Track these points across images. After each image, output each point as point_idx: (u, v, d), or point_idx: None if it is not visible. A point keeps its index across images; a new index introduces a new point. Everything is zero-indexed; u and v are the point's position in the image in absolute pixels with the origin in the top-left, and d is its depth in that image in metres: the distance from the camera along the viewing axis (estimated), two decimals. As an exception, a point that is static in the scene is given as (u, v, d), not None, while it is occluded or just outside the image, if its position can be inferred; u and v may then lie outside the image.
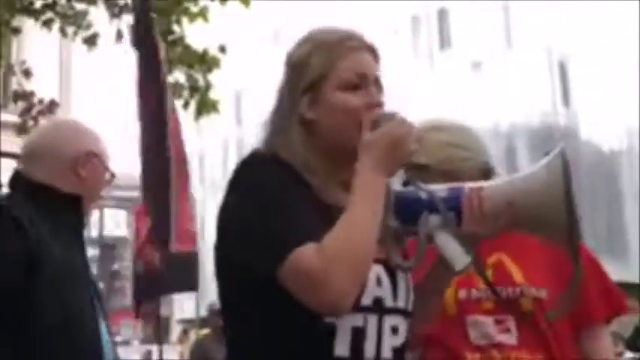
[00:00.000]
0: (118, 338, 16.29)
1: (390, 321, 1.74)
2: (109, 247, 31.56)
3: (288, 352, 1.68)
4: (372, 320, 1.71)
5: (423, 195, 1.81)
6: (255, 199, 1.68)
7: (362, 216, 1.63)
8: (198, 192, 39.41)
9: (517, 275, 2.19)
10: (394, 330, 1.75)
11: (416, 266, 1.79)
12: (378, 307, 1.72)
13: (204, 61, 7.68)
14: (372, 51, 1.85)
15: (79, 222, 2.50)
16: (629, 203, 35.15)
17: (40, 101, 8.47)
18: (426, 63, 35.72)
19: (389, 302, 1.74)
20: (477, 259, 1.88)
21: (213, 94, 7.77)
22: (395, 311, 1.75)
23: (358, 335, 1.69)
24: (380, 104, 1.78)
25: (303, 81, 1.80)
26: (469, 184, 1.83)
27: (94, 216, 27.69)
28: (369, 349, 1.70)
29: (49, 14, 7.96)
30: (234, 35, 39.73)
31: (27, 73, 8.44)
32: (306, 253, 1.57)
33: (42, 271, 2.21)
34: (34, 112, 8.43)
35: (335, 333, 1.67)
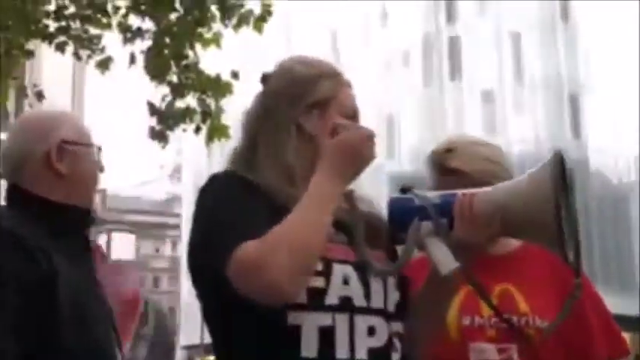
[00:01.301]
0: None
1: (364, 321, 1.74)
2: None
3: (254, 354, 1.72)
4: (343, 320, 1.71)
5: (417, 202, 1.81)
6: (214, 208, 1.76)
7: (305, 213, 1.67)
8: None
9: (522, 304, 2.18)
10: (371, 330, 1.74)
11: (395, 271, 1.81)
12: (347, 307, 1.73)
13: (217, 87, 7.71)
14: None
15: (83, 240, 2.17)
16: (638, 234, 35.00)
17: (52, 124, 8.48)
18: (437, 90, 35.75)
19: (359, 302, 1.75)
20: (480, 284, 1.86)
21: (224, 120, 7.80)
22: (369, 311, 1.76)
23: (326, 335, 1.69)
24: (343, 125, 1.86)
25: (311, 96, 1.89)
26: (463, 191, 1.82)
27: (102, 239, 27.67)
28: (341, 349, 1.70)
29: (63, 38, 8.01)
30: (251, 60, 39.95)
31: (39, 96, 8.47)
32: (246, 246, 1.62)
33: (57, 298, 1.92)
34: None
35: (300, 334, 1.68)
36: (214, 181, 1.84)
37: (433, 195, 1.83)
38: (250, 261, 1.60)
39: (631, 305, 29.65)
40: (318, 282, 1.72)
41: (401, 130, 36.27)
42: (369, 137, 1.78)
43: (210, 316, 1.82)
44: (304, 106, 1.89)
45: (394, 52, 37.15)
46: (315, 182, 1.72)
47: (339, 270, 1.74)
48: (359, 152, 1.76)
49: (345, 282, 1.74)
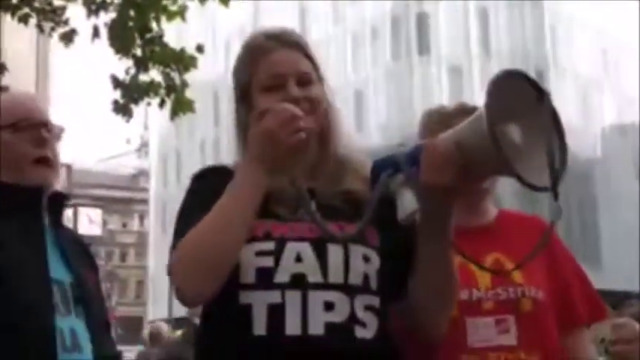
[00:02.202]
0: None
1: (320, 296, 1.72)
2: (82, 245, 31.40)
3: (213, 335, 1.80)
4: (294, 297, 1.71)
5: (396, 154, 1.78)
6: (180, 206, 1.86)
7: (221, 207, 1.70)
8: (176, 192, 39.31)
9: (517, 276, 2.17)
10: (329, 305, 1.72)
11: (359, 233, 1.75)
12: (300, 284, 1.72)
13: (181, 60, 7.64)
14: (295, 46, 1.89)
15: (32, 216, 2.20)
16: (603, 211, 35.46)
17: (15, 97, 8.37)
18: (405, 65, 35.80)
19: (314, 278, 1.73)
20: (469, 253, 1.82)
21: (189, 94, 7.75)
22: (326, 286, 1.73)
23: (276, 312, 1.70)
24: (297, 98, 1.80)
25: (236, 89, 1.92)
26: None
27: (68, 214, 27.52)
28: (292, 325, 1.69)
29: (26, 9, 7.89)
30: (214, 33, 39.71)
31: (2, 69, 8.34)
32: (176, 248, 1.73)
33: None
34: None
35: (251, 312, 1.71)
36: (191, 177, 1.94)
37: (411, 146, 1.78)
38: (169, 264, 1.73)
39: (596, 281, 30.02)
40: (267, 261, 1.73)
41: (369, 104, 36.32)
42: (289, 119, 1.69)
43: None
44: (237, 101, 1.92)
45: (363, 28, 37.12)
46: (236, 174, 1.75)
47: (292, 248, 1.74)
48: (277, 136, 1.68)
49: (299, 259, 1.73)
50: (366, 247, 1.80)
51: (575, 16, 36.35)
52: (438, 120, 2.33)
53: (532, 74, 1.73)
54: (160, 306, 41.93)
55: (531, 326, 2.16)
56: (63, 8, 8.00)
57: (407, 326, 1.90)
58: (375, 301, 1.79)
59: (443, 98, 33.84)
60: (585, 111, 36.36)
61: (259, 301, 1.71)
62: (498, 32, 35.04)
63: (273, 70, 1.84)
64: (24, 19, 7.95)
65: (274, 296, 1.71)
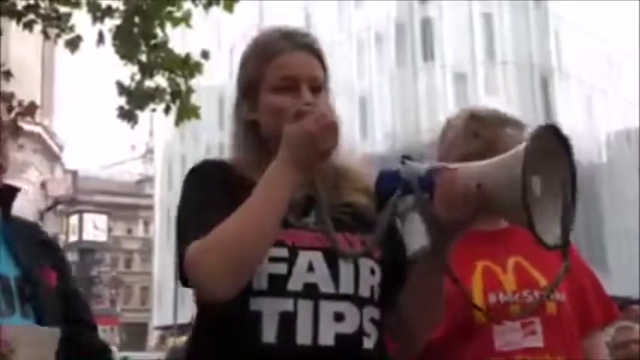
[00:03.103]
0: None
1: (330, 307, 1.71)
2: (87, 251, 31.43)
3: (219, 340, 1.73)
4: (306, 306, 1.70)
5: (403, 172, 1.76)
6: (183, 203, 1.81)
7: (249, 209, 1.66)
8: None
9: (541, 279, 2.20)
10: (338, 317, 1.71)
11: (369, 249, 1.76)
12: (312, 293, 1.71)
13: (186, 66, 7.65)
14: (311, 50, 1.88)
15: None
16: (608, 216, 35.38)
17: (20, 103, 8.40)
18: (410, 71, 35.79)
19: (326, 288, 1.72)
20: (449, 267, 1.80)
21: (194, 99, 7.75)
22: (337, 297, 1.72)
23: (287, 321, 1.68)
24: (310, 104, 1.77)
25: (241, 85, 1.90)
26: (447, 166, 1.76)
27: (74, 220, 27.53)
28: (303, 334, 1.68)
29: (31, 16, 7.91)
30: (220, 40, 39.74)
31: (7, 75, 8.36)
32: (192, 248, 1.66)
33: None
34: (12, 114, 8.36)
35: (261, 319, 1.69)
36: (190, 172, 1.87)
37: (422, 167, 1.77)
38: (189, 260, 1.66)
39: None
40: (280, 269, 1.71)
41: (374, 111, 36.31)
42: (327, 126, 1.68)
43: (195, 300, 1.85)
44: (241, 96, 1.90)
45: (367, 34, 37.15)
46: (268, 174, 1.69)
47: (304, 257, 1.72)
48: (314, 141, 1.67)
49: (311, 268, 1.72)
50: (372, 260, 1.80)
51: (579, 22, 36.32)
52: (478, 127, 2.33)
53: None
54: (165, 312, 41.93)
55: (556, 329, 2.19)
56: (68, 15, 8.01)
57: (391, 335, 1.89)
58: (377, 313, 1.81)
59: (447, 104, 33.83)
60: (590, 116, 36.32)
61: (270, 309, 1.69)
62: (503, 38, 35.02)
63: (287, 72, 1.82)
64: (29, 26, 7.97)
65: (286, 304, 1.69)
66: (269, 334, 1.68)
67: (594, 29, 37.03)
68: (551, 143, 1.72)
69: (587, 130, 35.50)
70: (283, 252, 1.72)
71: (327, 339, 1.69)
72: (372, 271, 1.80)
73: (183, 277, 1.71)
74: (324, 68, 1.90)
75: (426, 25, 35.73)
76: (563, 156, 1.74)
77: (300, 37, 1.89)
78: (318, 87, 1.85)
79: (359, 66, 37.01)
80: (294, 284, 1.70)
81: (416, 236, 1.77)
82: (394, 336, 1.89)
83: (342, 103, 36.43)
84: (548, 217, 1.69)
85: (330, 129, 1.68)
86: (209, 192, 1.77)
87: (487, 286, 2.14)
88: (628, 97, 38.42)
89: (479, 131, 2.30)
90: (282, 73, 1.82)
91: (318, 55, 1.89)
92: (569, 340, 2.22)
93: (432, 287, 1.82)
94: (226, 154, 1.96)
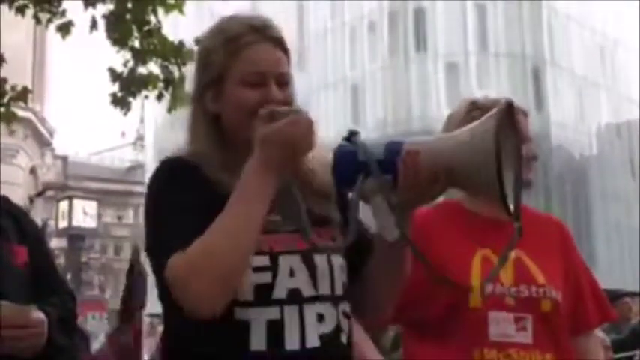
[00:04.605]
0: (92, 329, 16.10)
1: (313, 309, 1.74)
2: (77, 238, 31.33)
3: (205, 352, 1.71)
4: (292, 312, 1.72)
5: (361, 156, 1.72)
6: (155, 208, 1.77)
7: (232, 217, 1.63)
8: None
9: (539, 276, 2.23)
10: (320, 317, 1.75)
11: (347, 241, 1.75)
12: (296, 298, 1.73)
13: (180, 54, 7.63)
14: (278, 43, 1.86)
15: None
16: (597, 209, 35.48)
17: (13, 88, 8.37)
18: (402, 61, 35.76)
19: (307, 292, 1.74)
20: (421, 253, 1.79)
21: (187, 87, 7.73)
22: (317, 299, 1.75)
23: (275, 328, 1.70)
24: (277, 100, 1.77)
25: (206, 76, 1.85)
26: (406, 145, 1.72)
27: (63, 206, 27.43)
28: (291, 340, 1.70)
29: (23, 0, 7.87)
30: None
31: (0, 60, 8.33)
32: (174, 263, 1.62)
33: None
34: (5, 99, 8.33)
35: (249, 328, 1.69)
36: (157, 174, 1.82)
37: (378, 147, 1.74)
38: (175, 277, 1.62)
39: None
40: (265, 277, 1.72)
41: (366, 99, 36.29)
42: (308, 128, 1.67)
43: (165, 309, 1.82)
44: (203, 88, 1.86)
45: (360, 22, 37.08)
46: (246, 178, 1.66)
47: (284, 262, 1.73)
48: (298, 145, 1.67)
49: (291, 273, 1.73)
50: (341, 256, 1.83)
51: (572, 14, 36.34)
52: (480, 113, 2.34)
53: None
54: (154, 299, 41.88)
55: (548, 327, 2.22)
56: (60, -1, 7.99)
57: (356, 311, 1.91)
58: (348, 306, 1.84)
59: (439, 94, 33.85)
60: (581, 108, 36.38)
61: (258, 317, 1.69)
62: (496, 29, 35.02)
63: (256, 68, 1.80)
64: (21, 10, 7.94)
65: (273, 312, 1.70)
66: (258, 342, 1.69)
67: (587, 21, 37.06)
68: (507, 119, 1.74)
69: (578, 123, 35.58)
70: (264, 260, 1.72)
71: (312, 341, 1.72)
72: (342, 268, 1.83)
73: (162, 287, 1.68)
74: (288, 60, 1.88)
75: (419, 14, 35.68)
76: (511, 128, 1.76)
77: (268, 29, 1.86)
78: (286, 82, 1.84)
79: (351, 55, 36.95)
80: (279, 292, 1.72)
81: (386, 224, 1.73)
82: (359, 311, 1.92)
83: (335, 92, 36.46)
84: (508, 187, 1.71)
85: (307, 129, 1.67)
86: (182, 195, 1.73)
87: (484, 275, 2.16)
88: (619, 90, 38.51)
89: (481, 116, 2.31)
90: (251, 69, 1.80)
91: (284, 49, 1.87)
92: (559, 338, 2.24)
93: (394, 257, 1.84)
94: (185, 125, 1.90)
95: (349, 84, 35.97)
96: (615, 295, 8.93)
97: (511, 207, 1.71)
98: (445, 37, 34.90)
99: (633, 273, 23.75)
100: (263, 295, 1.71)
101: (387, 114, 35.38)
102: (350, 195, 1.76)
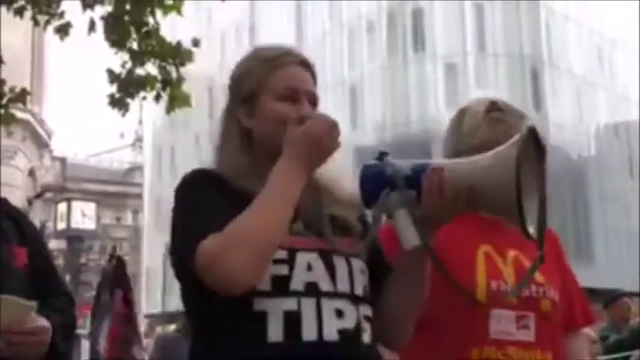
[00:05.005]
0: (83, 331, 16.08)
1: (331, 304, 1.77)
2: (76, 239, 31.33)
3: (224, 344, 1.76)
4: (309, 304, 1.75)
5: (388, 171, 1.81)
6: (183, 208, 1.85)
7: (264, 205, 1.72)
8: (170, 187, 39.17)
9: (539, 276, 2.24)
10: (339, 313, 1.77)
11: (364, 248, 1.84)
12: (313, 291, 1.77)
13: (177, 54, 7.64)
14: (308, 67, 1.99)
15: None
16: (596, 209, 35.49)
17: (11, 89, 8.37)
18: (400, 61, 35.76)
19: (325, 287, 1.78)
20: (441, 263, 1.85)
21: (184, 88, 7.74)
22: (335, 295, 1.79)
23: (292, 319, 1.73)
24: (309, 116, 1.85)
25: (242, 93, 1.96)
26: (434, 163, 1.81)
27: (62, 208, 27.42)
28: (308, 332, 1.73)
29: (21, 2, 7.88)
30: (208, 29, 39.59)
31: (-2, 61, 8.32)
32: (206, 245, 1.68)
33: None
34: (4, 100, 8.34)
35: (266, 319, 1.72)
36: (183, 182, 1.90)
37: (405, 165, 1.82)
38: (208, 255, 1.68)
39: (588, 279, 30.07)
40: (282, 270, 1.76)
41: (364, 100, 36.29)
42: (332, 127, 1.78)
43: (187, 303, 1.89)
44: (239, 102, 1.96)
45: (358, 23, 37.08)
46: (277, 172, 1.76)
47: (302, 258, 1.78)
48: (323, 142, 1.77)
49: (309, 268, 1.78)
50: (361, 261, 1.88)
51: (570, 14, 36.36)
52: (501, 114, 2.38)
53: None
54: (153, 300, 41.92)
55: (548, 326, 2.24)
56: (58, 1, 7.98)
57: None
58: (370, 311, 1.87)
59: (438, 95, 33.85)
60: (579, 109, 36.39)
61: (275, 308, 1.73)
62: (494, 29, 35.03)
63: (291, 83, 1.92)
64: (19, 12, 7.95)
65: (290, 304, 1.74)
66: (275, 332, 1.72)
67: (585, 22, 37.08)
68: (530, 144, 1.79)
69: (576, 123, 35.59)
70: (283, 254, 1.76)
71: (331, 334, 1.75)
72: (363, 272, 1.87)
73: (190, 275, 1.73)
74: (316, 88, 2.00)
75: (418, 15, 35.69)
76: (537, 154, 1.81)
77: (301, 56, 1.99)
78: (314, 103, 1.95)
79: (350, 56, 36.96)
80: (296, 284, 1.76)
81: (408, 233, 1.79)
82: (380, 336, 1.93)
83: (333, 94, 36.42)
84: (528, 210, 1.75)
85: (334, 129, 1.78)
86: (210, 196, 1.81)
87: (489, 272, 2.20)
88: (618, 90, 38.53)
89: (502, 118, 2.35)
90: (287, 84, 1.92)
91: (313, 74, 2.00)
92: (557, 337, 2.27)
93: (413, 277, 1.90)
94: (215, 143, 1.98)
95: (347, 85, 35.98)
96: (614, 296, 8.94)
97: (531, 230, 1.76)
98: (443, 38, 34.91)
99: (632, 273, 23.76)
100: (280, 286, 1.75)
101: (385, 115, 35.38)
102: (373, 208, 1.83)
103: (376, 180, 1.82)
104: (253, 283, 1.69)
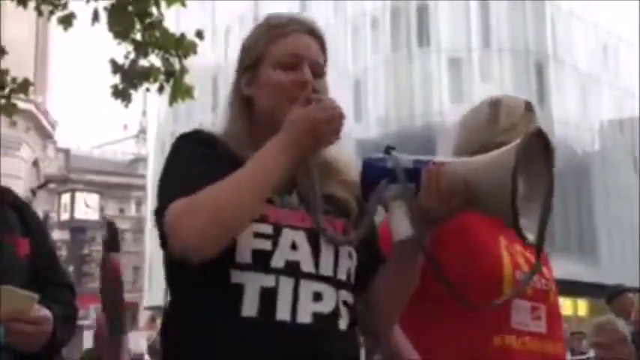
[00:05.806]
0: (86, 322, 16.17)
1: (310, 286, 1.74)
2: (79, 230, 31.41)
3: (197, 312, 1.74)
4: (287, 283, 1.72)
5: (390, 164, 1.80)
6: (167, 167, 1.83)
7: (241, 176, 1.68)
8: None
9: (545, 269, 2.29)
10: (317, 296, 1.75)
11: (357, 238, 1.81)
12: (293, 271, 1.74)
13: (181, 46, 7.62)
14: (317, 37, 1.93)
15: None
16: (600, 204, 35.47)
17: (14, 80, 8.37)
18: (404, 56, 35.72)
19: (307, 268, 1.75)
20: (433, 256, 1.84)
21: (188, 79, 7.73)
22: (316, 277, 1.76)
23: (268, 296, 1.70)
24: (308, 83, 1.82)
25: (246, 61, 1.92)
26: (435, 160, 1.80)
27: (65, 199, 27.48)
28: (282, 311, 1.70)
29: (26, -8, 7.87)
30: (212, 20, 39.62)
31: (1, 52, 8.32)
32: (173, 206, 1.67)
33: None
34: (6, 90, 8.33)
35: (243, 292, 1.70)
36: (178, 139, 1.89)
37: (408, 159, 1.81)
38: (170, 218, 1.67)
39: (592, 274, 30.12)
40: (265, 244, 1.73)
41: (368, 95, 36.27)
42: (335, 117, 1.73)
43: (168, 273, 1.86)
44: (242, 71, 1.93)
45: (363, 18, 37.04)
46: (267, 148, 1.72)
47: (288, 235, 1.75)
48: (320, 130, 1.72)
49: (294, 247, 1.75)
50: (350, 245, 1.86)
51: (575, 9, 36.28)
52: (508, 117, 2.38)
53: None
54: (155, 292, 41.98)
55: (555, 318, 2.29)
56: (62, -9, 7.97)
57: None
58: (351, 297, 1.85)
59: (442, 90, 33.81)
60: (584, 104, 36.33)
61: (252, 283, 1.70)
62: (499, 24, 34.96)
63: (292, 50, 1.86)
64: (23, 2, 7.94)
65: (268, 280, 1.71)
66: (250, 307, 1.69)
67: (590, 17, 37.01)
68: (537, 145, 1.77)
69: (581, 118, 35.53)
70: (267, 229, 1.74)
71: (305, 317, 1.72)
72: (350, 255, 1.85)
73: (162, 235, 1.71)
74: (325, 59, 1.95)
75: (422, 9, 35.62)
76: (545, 156, 1.79)
77: (309, 23, 1.94)
78: (319, 73, 1.89)
79: (354, 50, 36.92)
80: (277, 261, 1.73)
81: (400, 224, 1.78)
82: (368, 325, 1.93)
83: (337, 87, 36.22)
84: (528, 214, 1.74)
85: (337, 121, 1.74)
86: (196, 161, 1.78)
87: (513, 262, 2.23)
88: (622, 86, 38.46)
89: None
90: (288, 51, 1.86)
91: (322, 45, 1.93)
92: (561, 330, 2.33)
93: (406, 272, 1.88)
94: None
95: (352, 80, 35.94)
96: (617, 290, 8.92)
97: (529, 237, 1.74)
98: (448, 33, 34.85)
99: (635, 268, 23.74)
100: (261, 261, 1.72)
101: (389, 109, 35.37)
102: (370, 200, 1.81)
103: (377, 171, 1.81)
104: (210, 254, 1.64)
